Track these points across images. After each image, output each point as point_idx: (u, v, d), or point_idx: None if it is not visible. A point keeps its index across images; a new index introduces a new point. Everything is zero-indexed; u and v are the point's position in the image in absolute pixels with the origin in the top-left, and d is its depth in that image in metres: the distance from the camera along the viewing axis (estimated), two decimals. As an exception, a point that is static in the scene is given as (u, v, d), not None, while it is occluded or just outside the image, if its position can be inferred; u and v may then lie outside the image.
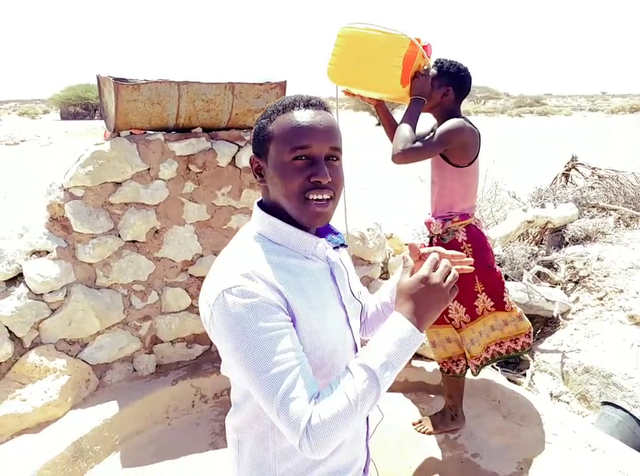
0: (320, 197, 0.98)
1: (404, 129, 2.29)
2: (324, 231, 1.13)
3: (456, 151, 2.35)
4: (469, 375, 2.54)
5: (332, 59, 2.41)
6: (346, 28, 2.36)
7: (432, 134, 2.42)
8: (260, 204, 1.08)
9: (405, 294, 0.97)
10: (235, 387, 1.06)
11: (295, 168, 0.98)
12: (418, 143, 2.27)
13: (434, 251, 1.08)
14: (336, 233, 1.14)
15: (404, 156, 2.27)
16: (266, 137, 1.01)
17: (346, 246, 1.16)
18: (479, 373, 2.51)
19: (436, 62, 2.41)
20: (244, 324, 0.89)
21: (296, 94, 1.03)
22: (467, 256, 2.41)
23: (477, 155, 2.40)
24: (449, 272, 0.98)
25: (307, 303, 0.98)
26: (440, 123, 2.41)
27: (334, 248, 1.10)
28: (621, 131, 22.14)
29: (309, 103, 1.01)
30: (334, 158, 1.02)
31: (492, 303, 2.45)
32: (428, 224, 2.52)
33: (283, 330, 0.91)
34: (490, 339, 2.49)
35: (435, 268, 0.98)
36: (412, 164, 2.54)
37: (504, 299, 2.48)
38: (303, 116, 0.99)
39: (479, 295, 2.43)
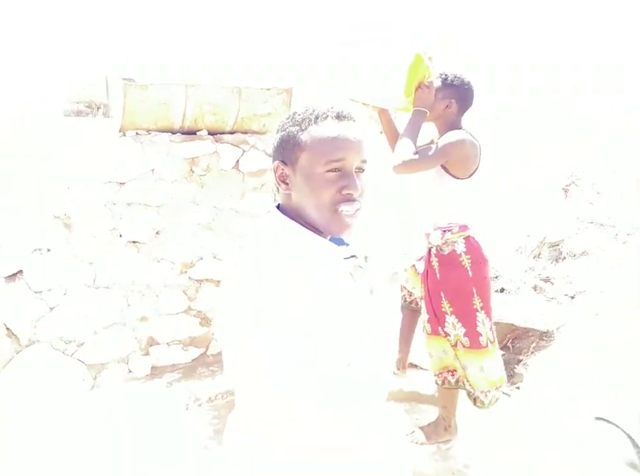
0: (350, 208, 1.00)
1: (406, 140, 2.31)
2: (337, 240, 1.14)
3: (457, 163, 2.37)
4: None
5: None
6: None
7: (433, 145, 2.44)
8: (278, 209, 1.07)
9: None
10: None
11: (327, 180, 0.99)
12: (419, 154, 2.29)
13: None
14: (347, 244, 1.15)
15: (405, 166, 2.29)
16: (297, 146, 1.01)
17: (357, 257, 1.17)
18: (483, 407, 2.47)
19: (440, 74, 2.43)
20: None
21: (325, 104, 1.04)
22: (465, 268, 2.45)
23: (478, 167, 2.42)
24: None
25: (326, 315, 0.98)
26: (441, 134, 2.44)
27: (345, 258, 1.11)
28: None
29: (341, 114, 1.02)
30: (362, 170, 1.04)
31: (489, 324, 2.44)
32: (427, 235, 2.53)
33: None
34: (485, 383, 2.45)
35: None
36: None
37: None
38: (338, 129, 1.00)
39: (478, 313, 2.42)
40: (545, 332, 3.70)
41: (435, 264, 2.49)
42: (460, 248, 2.44)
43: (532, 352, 3.57)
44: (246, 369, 0.99)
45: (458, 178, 2.39)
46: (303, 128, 1.01)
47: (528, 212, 5.29)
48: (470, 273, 2.42)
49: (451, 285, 2.44)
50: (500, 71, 6.38)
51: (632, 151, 5.46)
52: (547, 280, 4.19)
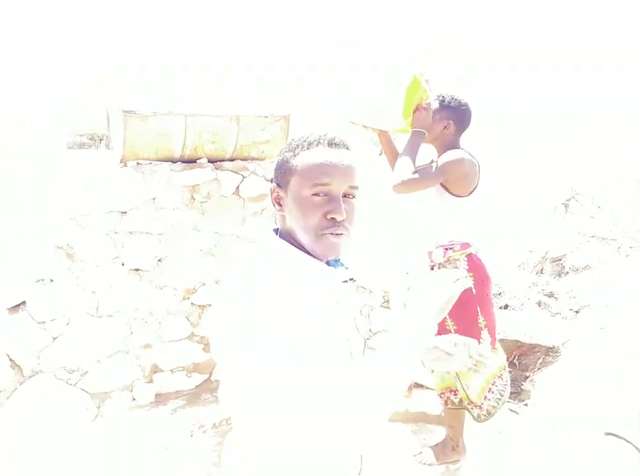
0: (334, 232, 1.03)
1: (405, 160, 2.35)
2: (335, 264, 1.15)
3: (456, 182, 2.40)
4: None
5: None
6: None
7: (432, 165, 2.48)
8: (276, 232, 1.11)
9: None
10: None
11: (313, 204, 1.02)
12: (417, 174, 2.32)
13: None
14: (347, 268, 1.17)
15: (404, 186, 2.32)
16: (289, 170, 1.06)
17: (355, 280, 1.20)
18: (483, 421, 2.46)
19: (437, 96, 2.48)
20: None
21: (321, 131, 1.07)
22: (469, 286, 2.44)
23: (477, 185, 2.45)
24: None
25: (313, 337, 0.98)
26: (440, 155, 2.47)
27: (343, 281, 1.13)
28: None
29: (332, 141, 1.05)
30: (351, 196, 1.06)
31: (489, 340, 2.45)
32: (429, 253, 2.54)
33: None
34: (487, 384, 2.46)
35: None
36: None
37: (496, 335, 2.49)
38: (326, 155, 1.03)
39: (482, 331, 2.42)
40: (551, 348, 3.68)
41: (437, 282, 2.49)
42: (462, 265, 2.45)
43: (539, 368, 3.54)
44: (239, 387, 1.00)
45: (458, 196, 2.42)
46: (295, 153, 1.06)
47: (530, 228, 5.30)
48: (474, 290, 2.43)
49: (455, 303, 2.44)
50: (500, 71, 6.39)
51: (634, 153, 5.47)
52: (550, 295, 4.18)
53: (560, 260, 4.57)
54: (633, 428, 2.74)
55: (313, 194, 1.02)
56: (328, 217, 1.02)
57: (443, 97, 2.46)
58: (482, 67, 6.29)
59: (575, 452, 2.50)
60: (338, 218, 1.02)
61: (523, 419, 2.85)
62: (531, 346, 3.78)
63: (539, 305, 4.01)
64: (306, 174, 1.03)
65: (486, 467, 2.49)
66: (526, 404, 3.27)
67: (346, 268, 1.17)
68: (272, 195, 1.10)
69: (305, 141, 1.06)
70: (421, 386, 2.99)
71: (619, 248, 4.80)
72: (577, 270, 4.36)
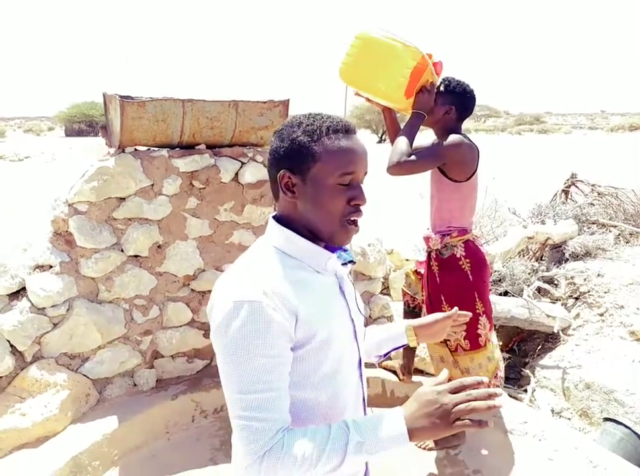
0: (357, 219, 1.07)
1: (401, 142, 2.32)
2: (334, 247, 1.16)
3: (454, 166, 2.38)
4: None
5: (345, 58, 2.45)
6: (364, 31, 2.40)
7: (429, 148, 2.46)
8: (275, 218, 1.10)
9: (419, 399, 0.95)
10: None
11: (339, 191, 1.03)
12: (413, 156, 2.29)
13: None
14: (345, 250, 1.19)
15: (398, 168, 2.29)
16: (310, 157, 1.02)
17: (354, 263, 1.21)
18: None
19: (443, 80, 2.44)
20: (247, 342, 0.93)
21: (330, 116, 1.06)
22: (465, 272, 2.45)
23: (475, 171, 2.43)
24: (466, 401, 0.91)
25: (319, 316, 1.01)
26: (439, 139, 2.45)
27: (342, 264, 1.14)
28: (621, 149, 22.28)
29: (349, 128, 1.06)
30: (363, 183, 1.10)
31: (489, 326, 2.45)
32: (427, 239, 2.54)
33: (279, 359, 0.94)
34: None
35: (455, 391, 0.94)
36: (412, 180, 2.57)
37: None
38: (351, 142, 1.04)
39: (480, 317, 2.42)
40: (550, 334, 3.69)
41: (435, 268, 2.50)
42: (459, 252, 2.45)
43: (538, 354, 3.55)
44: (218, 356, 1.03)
45: (456, 182, 2.40)
46: (315, 139, 1.02)
47: (528, 212, 5.29)
48: (470, 277, 2.43)
49: (452, 288, 2.44)
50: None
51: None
52: (550, 282, 4.18)
53: (560, 246, 4.57)
54: (632, 414, 2.76)
55: (338, 183, 1.03)
56: (352, 203, 1.04)
57: (449, 81, 2.42)
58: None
59: (574, 437, 2.51)
60: (362, 204, 1.05)
61: (522, 405, 2.86)
62: (530, 333, 3.79)
63: (539, 292, 4.02)
64: (333, 162, 1.02)
65: (485, 452, 2.51)
66: (525, 390, 3.28)
67: (345, 250, 1.18)
68: (281, 181, 1.05)
69: (321, 126, 1.02)
70: (420, 371, 3.00)
71: (619, 234, 4.79)
72: (577, 256, 4.35)
